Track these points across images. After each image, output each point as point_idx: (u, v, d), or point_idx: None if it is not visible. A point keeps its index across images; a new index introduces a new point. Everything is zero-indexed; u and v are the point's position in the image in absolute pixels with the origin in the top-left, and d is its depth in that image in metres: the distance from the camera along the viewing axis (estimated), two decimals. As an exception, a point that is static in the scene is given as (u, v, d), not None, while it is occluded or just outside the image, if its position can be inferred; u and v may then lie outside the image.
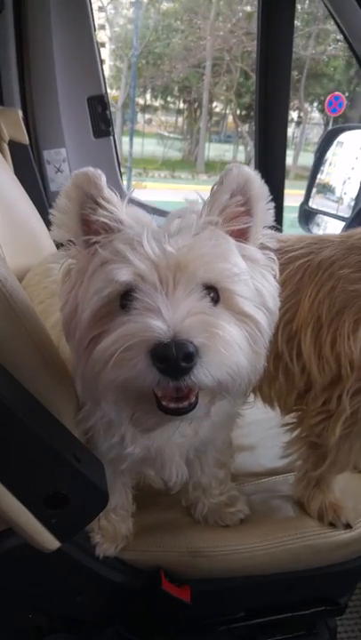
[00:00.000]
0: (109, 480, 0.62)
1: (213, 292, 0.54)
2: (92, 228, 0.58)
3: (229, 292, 0.55)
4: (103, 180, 0.57)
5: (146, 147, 13.44)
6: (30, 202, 1.21)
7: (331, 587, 0.86)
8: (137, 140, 12.38)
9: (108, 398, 0.53)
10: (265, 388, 0.81)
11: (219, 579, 0.77)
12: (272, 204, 0.61)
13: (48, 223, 1.29)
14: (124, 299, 0.52)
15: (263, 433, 0.96)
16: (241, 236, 0.59)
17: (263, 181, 0.59)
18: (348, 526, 0.79)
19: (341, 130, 2.03)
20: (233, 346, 0.50)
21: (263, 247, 0.61)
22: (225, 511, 0.79)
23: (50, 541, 0.56)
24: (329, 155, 2.47)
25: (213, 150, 14.32)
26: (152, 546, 0.76)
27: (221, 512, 0.79)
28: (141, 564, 0.76)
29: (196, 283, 0.52)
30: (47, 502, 0.54)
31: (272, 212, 0.61)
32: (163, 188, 9.25)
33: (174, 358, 0.46)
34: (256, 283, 0.58)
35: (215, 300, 0.54)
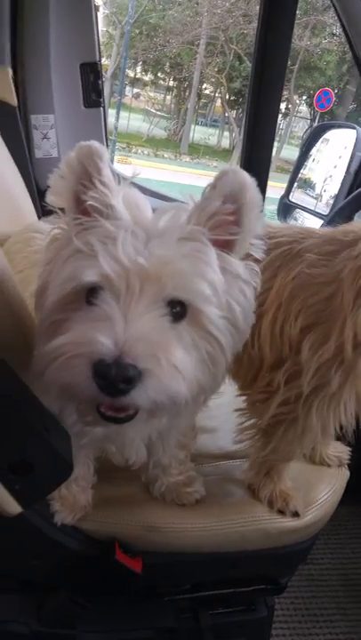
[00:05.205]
0: (73, 451, 0.63)
1: (180, 307, 0.53)
2: (83, 206, 0.56)
3: (198, 312, 0.54)
4: (105, 158, 0.55)
5: (131, 122, 13.16)
6: (14, 166, 1.18)
7: (274, 567, 0.90)
8: (123, 115, 12.11)
9: (52, 392, 0.54)
10: (233, 364, 0.83)
11: (170, 553, 0.80)
12: (263, 214, 0.58)
13: (31, 190, 1.27)
14: (91, 295, 0.52)
15: (226, 416, 0.98)
16: (226, 245, 0.57)
17: (250, 174, 0.56)
18: (296, 514, 0.82)
19: (330, 126, 2.05)
20: (177, 375, 0.50)
21: (249, 257, 0.59)
22: (182, 490, 0.81)
23: (12, 506, 0.57)
24: (313, 151, 2.49)
25: (198, 133, 14.18)
26: (109, 518, 0.78)
27: (179, 491, 0.81)
28: (98, 534, 0.78)
29: (162, 297, 0.52)
30: (12, 468, 0.55)
31: (262, 221, 0.58)
32: (146, 165, 9.09)
33: (113, 379, 0.47)
34: (231, 300, 0.57)
35: (180, 315, 0.53)
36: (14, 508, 0.57)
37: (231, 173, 0.55)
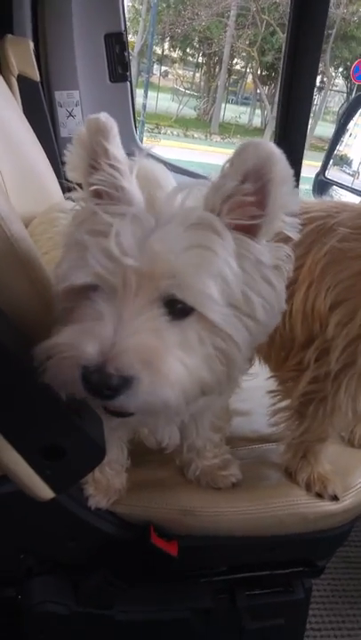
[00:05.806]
0: (106, 434, 0.61)
1: (183, 304, 0.49)
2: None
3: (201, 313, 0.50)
4: (113, 134, 0.52)
5: (160, 102, 12.95)
6: (39, 145, 1.16)
7: (312, 550, 0.88)
8: (151, 94, 11.92)
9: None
10: (264, 345, 0.80)
11: (206, 536, 0.79)
12: (293, 188, 0.51)
13: (57, 170, 1.25)
14: (91, 289, 0.50)
15: (259, 400, 0.97)
16: (249, 228, 0.52)
17: (284, 152, 0.49)
18: (335, 498, 0.80)
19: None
20: (167, 381, 0.47)
21: (281, 238, 0.53)
22: (218, 474, 0.80)
23: (44, 491, 0.56)
24: (351, 125, 2.37)
25: (229, 111, 13.82)
26: (144, 501, 0.78)
27: (214, 474, 0.80)
28: (132, 517, 0.78)
29: (162, 296, 0.48)
30: (43, 453, 0.54)
31: (295, 197, 0.51)
32: (176, 146, 8.96)
33: (95, 386, 0.45)
34: (249, 291, 0.51)
35: (184, 312, 0.49)
36: (46, 493, 0.57)
37: (252, 147, 0.48)
